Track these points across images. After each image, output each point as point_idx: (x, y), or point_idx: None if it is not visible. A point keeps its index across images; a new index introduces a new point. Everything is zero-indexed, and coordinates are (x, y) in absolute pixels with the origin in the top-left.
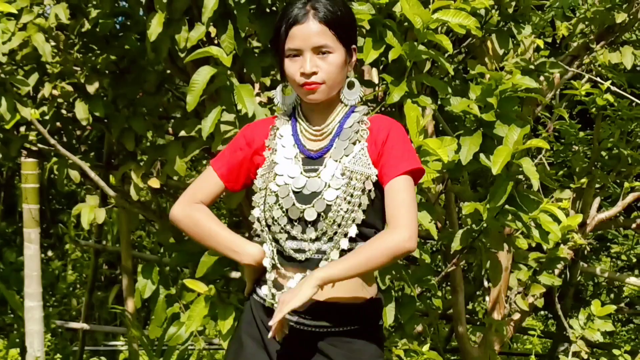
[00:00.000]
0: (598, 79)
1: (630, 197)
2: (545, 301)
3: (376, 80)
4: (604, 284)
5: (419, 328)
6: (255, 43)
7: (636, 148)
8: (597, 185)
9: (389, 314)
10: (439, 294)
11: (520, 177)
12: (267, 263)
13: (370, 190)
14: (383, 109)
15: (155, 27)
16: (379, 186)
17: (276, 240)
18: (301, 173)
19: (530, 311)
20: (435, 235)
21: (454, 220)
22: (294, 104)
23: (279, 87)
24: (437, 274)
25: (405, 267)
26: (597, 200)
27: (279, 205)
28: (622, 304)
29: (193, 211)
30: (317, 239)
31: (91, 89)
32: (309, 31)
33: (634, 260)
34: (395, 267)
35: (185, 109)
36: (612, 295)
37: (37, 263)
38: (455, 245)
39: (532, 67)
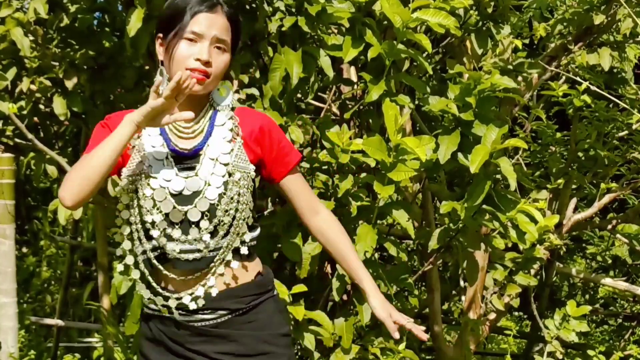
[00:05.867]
0: (577, 79)
1: (607, 199)
2: (521, 301)
3: (355, 79)
4: (579, 285)
5: None
6: None
7: (613, 149)
8: (574, 186)
9: (365, 313)
10: (416, 293)
11: (498, 176)
12: (136, 275)
13: (251, 186)
14: (361, 107)
15: (134, 23)
16: (252, 180)
17: (155, 245)
18: (176, 174)
19: (506, 311)
20: (412, 234)
21: (431, 220)
22: None
23: (163, 69)
24: (414, 273)
25: (382, 265)
26: (574, 201)
27: (158, 209)
28: (597, 305)
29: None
30: (202, 238)
31: (69, 84)
32: (217, 22)
33: (609, 261)
34: (372, 265)
35: None
36: (587, 296)
37: (12, 259)
38: (432, 244)
39: (510, 67)
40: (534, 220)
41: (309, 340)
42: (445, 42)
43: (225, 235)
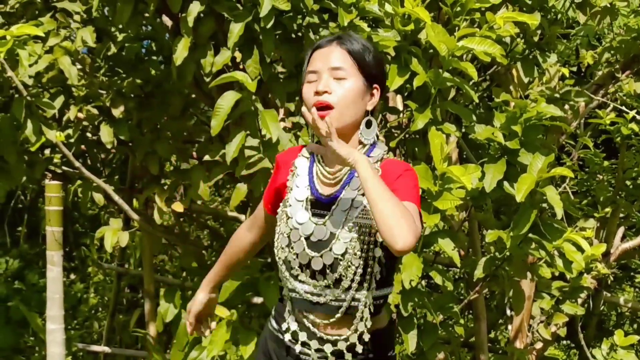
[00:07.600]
0: (623, 108)
1: None
2: (568, 330)
3: (401, 107)
4: (627, 314)
5: (441, 356)
6: (280, 68)
7: None
8: (621, 215)
9: (411, 341)
10: (462, 321)
11: (544, 205)
12: (287, 308)
13: (382, 242)
14: (407, 135)
15: (181, 52)
16: None
17: (290, 281)
18: (309, 219)
19: (553, 340)
20: (458, 262)
21: (477, 248)
22: None
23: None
24: (460, 301)
25: (428, 294)
26: (621, 230)
27: (291, 248)
28: None
29: (233, 238)
30: (328, 287)
31: (116, 112)
32: (330, 54)
33: None
34: (418, 294)
35: (209, 133)
36: (635, 326)
37: (60, 285)
38: (478, 273)
39: (557, 95)
40: (580, 249)
41: None
42: (491, 70)
43: (348, 289)
